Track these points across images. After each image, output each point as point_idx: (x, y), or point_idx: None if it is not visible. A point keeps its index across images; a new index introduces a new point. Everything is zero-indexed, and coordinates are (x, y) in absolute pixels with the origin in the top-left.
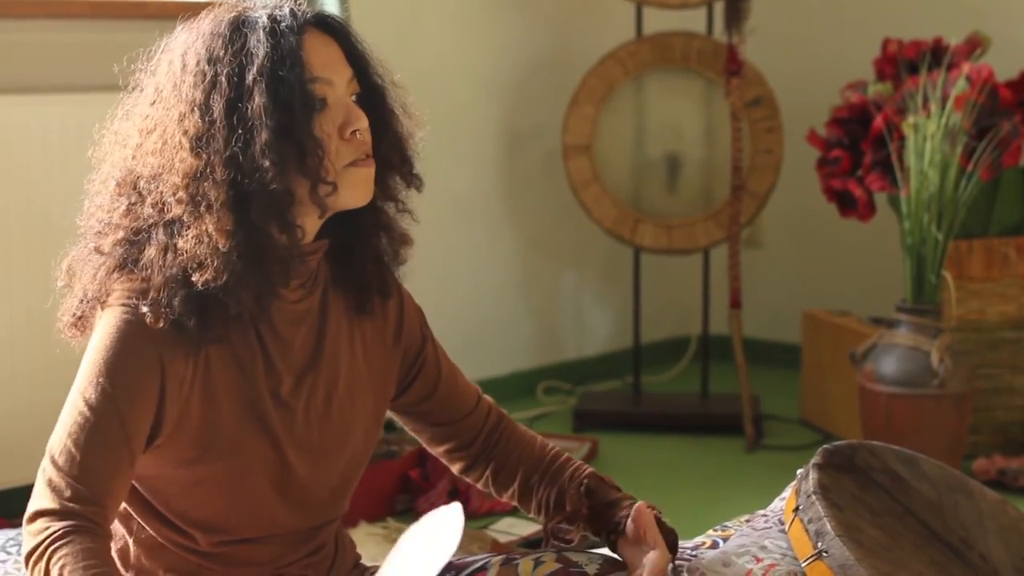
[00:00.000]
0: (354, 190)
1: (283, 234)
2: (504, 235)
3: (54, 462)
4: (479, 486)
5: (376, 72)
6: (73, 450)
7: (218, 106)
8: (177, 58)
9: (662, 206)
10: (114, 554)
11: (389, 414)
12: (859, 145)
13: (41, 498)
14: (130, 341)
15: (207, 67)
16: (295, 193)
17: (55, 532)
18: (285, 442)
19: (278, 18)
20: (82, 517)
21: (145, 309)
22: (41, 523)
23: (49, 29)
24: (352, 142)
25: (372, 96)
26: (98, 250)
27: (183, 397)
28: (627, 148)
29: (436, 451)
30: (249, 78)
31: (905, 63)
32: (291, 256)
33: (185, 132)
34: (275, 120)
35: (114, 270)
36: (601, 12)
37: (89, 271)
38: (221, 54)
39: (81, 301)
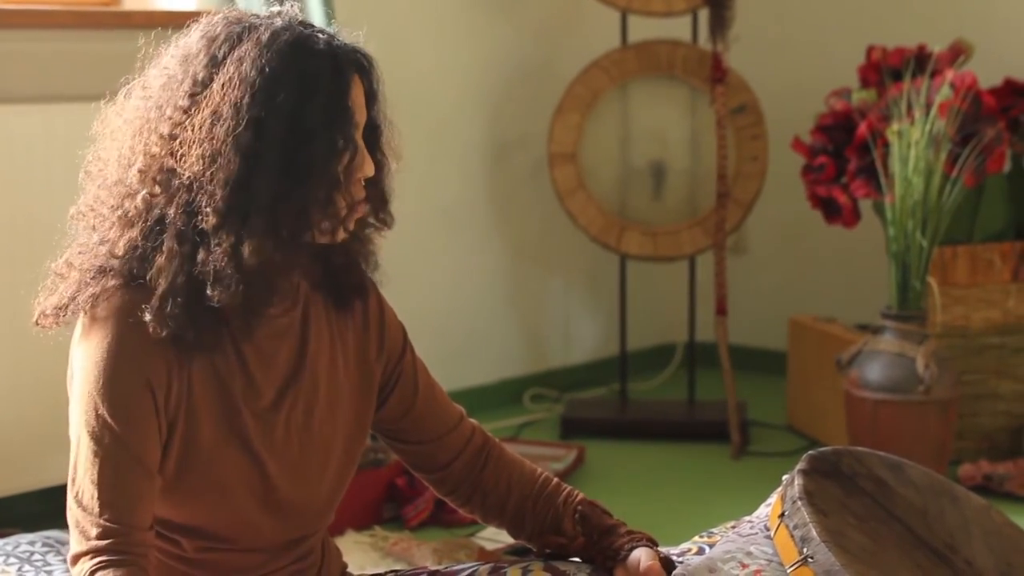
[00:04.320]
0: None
1: (284, 254)
2: (490, 243)
3: (77, 502)
4: (465, 512)
5: (382, 111)
6: (90, 488)
7: (274, 127)
8: (232, 65)
9: (648, 214)
10: None
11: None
12: (844, 152)
13: (73, 542)
14: (118, 366)
15: (266, 84)
16: (316, 221)
17: (85, 572)
18: (265, 456)
19: (338, 54)
20: (110, 551)
21: (148, 317)
22: (77, 567)
23: (34, 39)
24: (356, 185)
25: (373, 134)
26: (111, 253)
27: (170, 414)
28: (612, 156)
29: (420, 474)
30: (306, 109)
31: (889, 70)
32: (276, 275)
33: (237, 145)
34: (322, 153)
35: (113, 277)
36: (586, 20)
37: (88, 271)
38: (281, 76)
39: (72, 299)
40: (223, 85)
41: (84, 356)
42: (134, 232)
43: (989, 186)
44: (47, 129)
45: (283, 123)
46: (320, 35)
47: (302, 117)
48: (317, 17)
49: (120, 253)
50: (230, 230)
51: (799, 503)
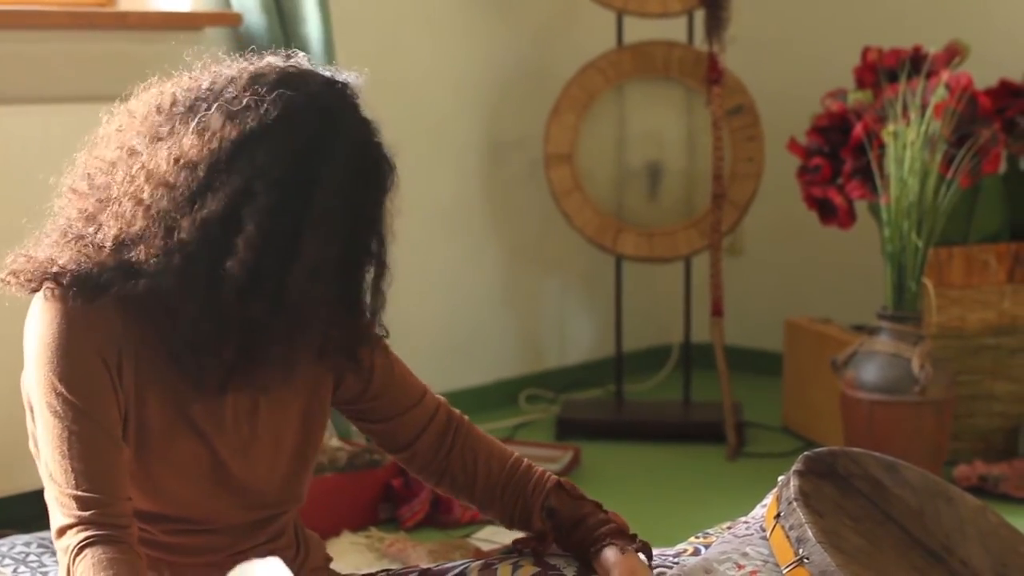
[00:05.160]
0: None
1: None
2: (487, 244)
3: (53, 480)
4: (441, 492)
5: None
6: (64, 462)
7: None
8: (247, 112)
9: (644, 214)
10: None
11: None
12: (839, 153)
13: (56, 516)
14: (70, 344)
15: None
16: None
17: (73, 547)
18: (214, 438)
19: (368, 149)
20: (96, 524)
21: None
22: (63, 540)
23: (29, 40)
24: None
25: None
26: (98, 245)
27: (124, 395)
28: (609, 157)
29: (391, 455)
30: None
31: (885, 71)
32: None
33: (221, 201)
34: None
35: (71, 261)
36: (582, 22)
37: (55, 244)
38: (292, 167)
39: (35, 271)
40: (235, 145)
41: (35, 340)
42: (103, 226)
43: (984, 187)
44: (43, 130)
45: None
46: (349, 113)
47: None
48: (313, 23)
49: (106, 256)
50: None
51: (795, 504)
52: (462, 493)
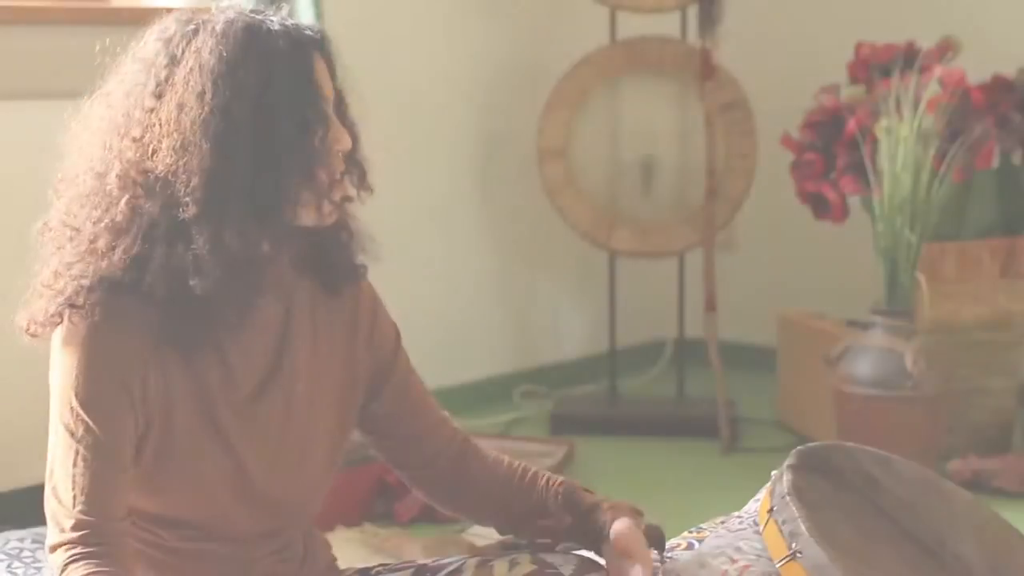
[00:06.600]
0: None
1: (271, 241)
2: (480, 240)
3: (54, 495)
4: (448, 510)
5: (343, 84)
6: (66, 480)
7: (239, 109)
8: (191, 57)
9: (637, 210)
10: None
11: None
12: (832, 148)
13: (50, 532)
14: (94, 362)
15: (227, 70)
16: (298, 198)
17: (61, 564)
18: (242, 449)
19: (292, 32)
20: (84, 543)
21: (157, 318)
22: (54, 557)
23: (21, 36)
24: (335, 159)
25: (340, 107)
26: (105, 260)
27: (148, 409)
28: (602, 152)
29: (404, 471)
30: (271, 88)
31: (878, 67)
32: (265, 263)
33: (206, 131)
34: (294, 129)
35: (102, 283)
36: (575, 17)
37: (77, 277)
38: (241, 59)
39: (62, 305)
40: (185, 77)
41: (63, 353)
42: (128, 239)
43: (978, 182)
44: (35, 126)
45: (248, 104)
46: (273, 18)
47: (267, 96)
48: (305, 14)
49: (116, 260)
50: (210, 217)
51: (788, 498)
52: (480, 504)
